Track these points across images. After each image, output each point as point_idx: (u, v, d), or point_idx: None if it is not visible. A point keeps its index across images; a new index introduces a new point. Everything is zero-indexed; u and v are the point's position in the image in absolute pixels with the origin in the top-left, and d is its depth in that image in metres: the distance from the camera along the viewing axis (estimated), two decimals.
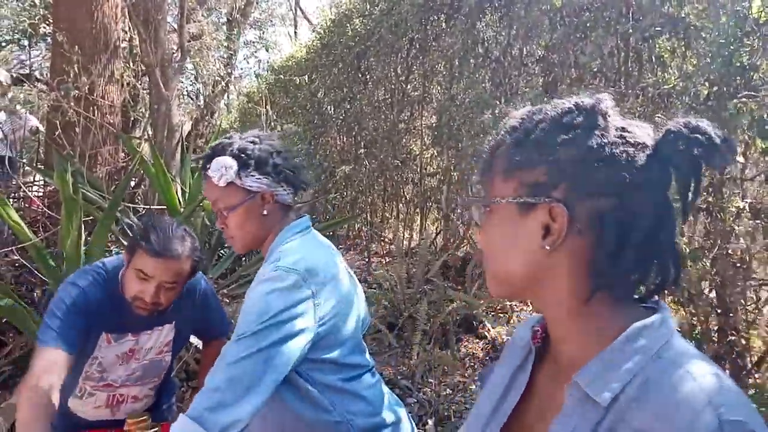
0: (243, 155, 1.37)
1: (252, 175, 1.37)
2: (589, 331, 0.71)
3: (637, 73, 2.87)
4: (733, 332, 2.91)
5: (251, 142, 1.40)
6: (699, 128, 0.66)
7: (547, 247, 0.70)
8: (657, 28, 2.57)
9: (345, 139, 6.33)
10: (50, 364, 1.52)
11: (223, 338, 2.01)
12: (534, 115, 0.74)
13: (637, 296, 0.74)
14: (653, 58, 2.82)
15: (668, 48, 2.85)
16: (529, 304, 4.53)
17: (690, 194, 0.68)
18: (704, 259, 2.75)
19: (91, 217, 3.69)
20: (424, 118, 5.37)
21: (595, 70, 3.23)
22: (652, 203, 0.68)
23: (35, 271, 3.37)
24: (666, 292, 3.41)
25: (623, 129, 0.69)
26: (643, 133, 0.70)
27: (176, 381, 2.19)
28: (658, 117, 2.47)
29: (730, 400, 0.59)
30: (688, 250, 3.19)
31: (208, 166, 1.38)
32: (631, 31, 2.78)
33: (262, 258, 1.46)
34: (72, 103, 4.34)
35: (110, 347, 1.73)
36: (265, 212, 1.39)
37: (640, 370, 0.64)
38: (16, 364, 3.19)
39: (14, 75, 8.43)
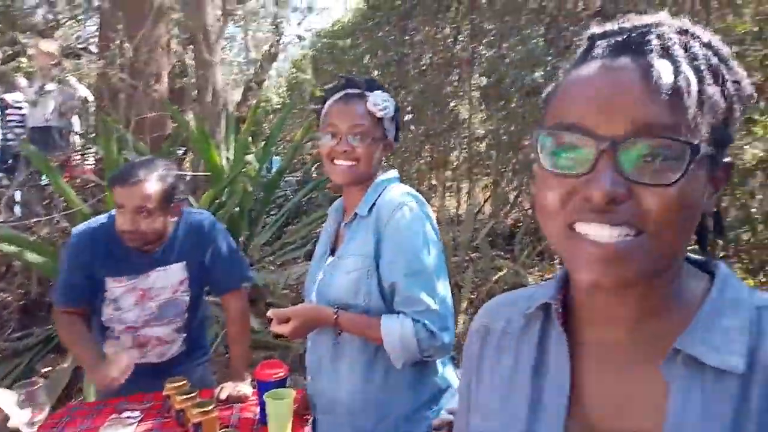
0: (392, 100, 1.46)
1: (393, 121, 1.47)
2: (672, 297, 0.59)
3: (706, 18, 2.61)
4: None
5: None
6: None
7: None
8: None
9: None
10: (66, 320, 1.80)
11: (235, 291, 1.91)
12: None
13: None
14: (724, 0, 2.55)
15: None
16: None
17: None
18: None
19: None
20: (472, 80, 5.15)
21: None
22: None
23: None
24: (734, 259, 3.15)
25: None
26: None
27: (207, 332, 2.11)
28: None
29: None
30: (759, 216, 2.93)
31: (363, 93, 1.43)
32: None
33: (307, 225, 1.45)
34: (117, 71, 4.36)
35: (120, 287, 1.79)
36: (386, 155, 1.50)
37: (751, 325, 0.55)
38: None
39: (72, 49, 8.62)
